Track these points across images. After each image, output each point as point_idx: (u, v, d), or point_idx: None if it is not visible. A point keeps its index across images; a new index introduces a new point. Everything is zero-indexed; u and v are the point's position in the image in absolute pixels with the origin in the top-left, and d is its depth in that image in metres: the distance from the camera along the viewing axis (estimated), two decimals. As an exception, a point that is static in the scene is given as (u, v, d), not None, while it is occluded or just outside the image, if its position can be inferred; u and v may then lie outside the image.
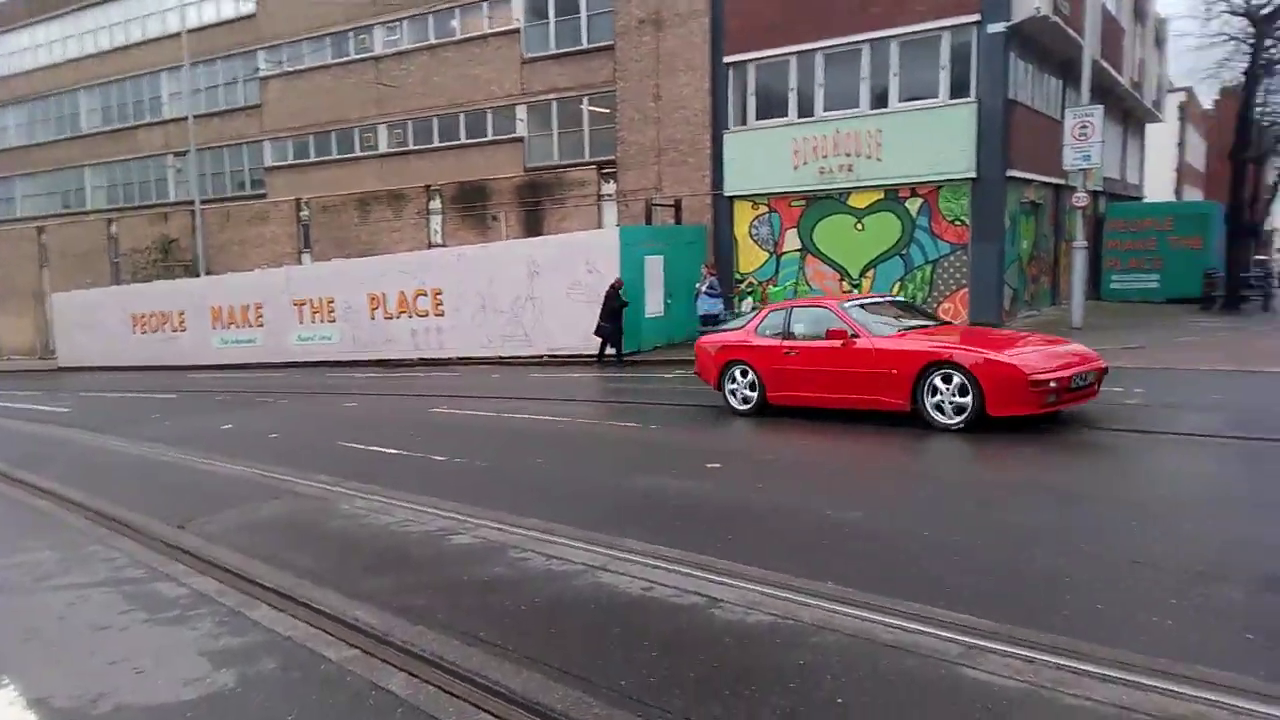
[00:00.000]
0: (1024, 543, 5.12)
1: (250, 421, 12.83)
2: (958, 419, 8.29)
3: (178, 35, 30.96)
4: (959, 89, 18.36)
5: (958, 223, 18.62)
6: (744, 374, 10.19)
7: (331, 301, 23.20)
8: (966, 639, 3.76)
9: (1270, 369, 11.71)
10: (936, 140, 18.39)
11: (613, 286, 17.78)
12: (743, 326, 10.65)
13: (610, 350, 17.84)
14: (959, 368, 8.29)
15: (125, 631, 4.55)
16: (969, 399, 8.21)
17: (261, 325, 24.88)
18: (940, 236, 18.82)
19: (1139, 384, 10.84)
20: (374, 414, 13.05)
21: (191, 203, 31.78)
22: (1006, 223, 18.45)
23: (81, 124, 38.63)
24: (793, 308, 10.22)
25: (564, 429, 10.36)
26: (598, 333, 17.69)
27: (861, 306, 9.83)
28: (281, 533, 6.40)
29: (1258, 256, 26.14)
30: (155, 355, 27.65)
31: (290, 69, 31.50)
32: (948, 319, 16.96)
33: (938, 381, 8.44)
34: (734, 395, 10.28)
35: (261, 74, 32.34)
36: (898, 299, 13.40)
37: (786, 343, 9.78)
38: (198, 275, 30.09)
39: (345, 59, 30.30)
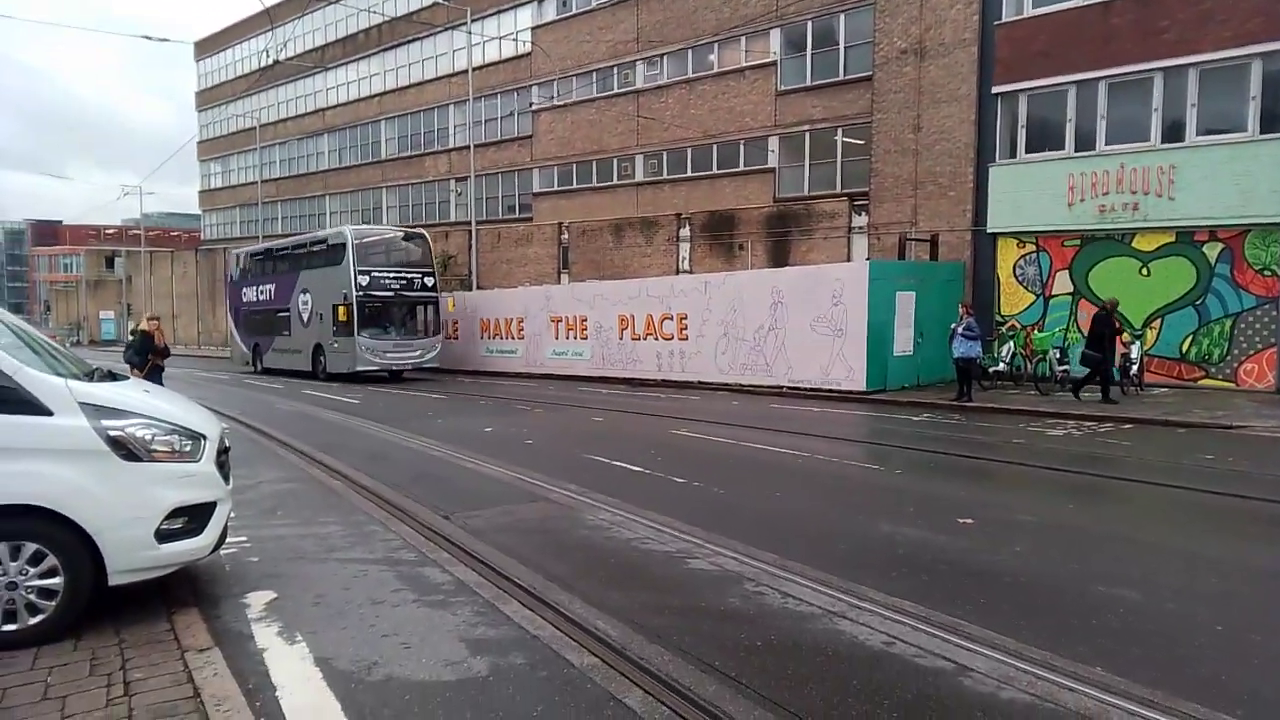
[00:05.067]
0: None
1: (509, 427, 13.81)
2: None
3: (464, 73, 34.25)
4: (1271, 122, 16.22)
5: (1267, 273, 16.36)
6: None
7: (585, 320, 24.52)
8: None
9: None
10: (1243, 178, 16.32)
11: (1104, 307, 15.77)
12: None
13: (1094, 382, 15.67)
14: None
15: (397, 609, 5.03)
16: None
17: (523, 338, 26.78)
18: (1245, 288, 16.61)
19: None
20: (619, 430, 13.58)
21: (469, 223, 34.93)
22: (1332, 275, 15.95)
23: (381, 151, 43.78)
24: None
25: (803, 464, 10.20)
26: (1084, 362, 15.82)
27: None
28: (534, 535, 6.81)
29: None
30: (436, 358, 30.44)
31: (559, 102, 33.82)
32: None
33: None
34: None
35: (534, 107, 34.99)
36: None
37: None
38: (471, 289, 32.89)
39: (608, 93, 32.09)
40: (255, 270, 30.29)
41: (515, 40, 35.32)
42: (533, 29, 34.88)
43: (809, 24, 25.97)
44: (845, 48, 25.17)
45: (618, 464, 9.97)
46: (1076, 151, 18.58)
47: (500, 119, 36.97)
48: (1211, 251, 16.99)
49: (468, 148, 33.91)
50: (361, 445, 11.93)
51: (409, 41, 41.23)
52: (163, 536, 4.68)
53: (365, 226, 28.18)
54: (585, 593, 5.26)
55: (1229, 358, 16.88)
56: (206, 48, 56.30)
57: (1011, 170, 19.66)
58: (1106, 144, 18.15)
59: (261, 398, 20.02)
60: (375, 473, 9.49)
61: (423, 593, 5.33)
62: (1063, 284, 19.06)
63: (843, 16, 25.13)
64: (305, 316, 26.14)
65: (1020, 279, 19.77)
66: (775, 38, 26.88)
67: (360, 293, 23.59)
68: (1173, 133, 17.39)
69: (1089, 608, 5.00)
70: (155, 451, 4.72)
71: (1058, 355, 17.39)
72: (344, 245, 23.96)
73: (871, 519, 7.29)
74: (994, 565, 5.88)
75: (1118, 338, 15.98)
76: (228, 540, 5.98)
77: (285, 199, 50.78)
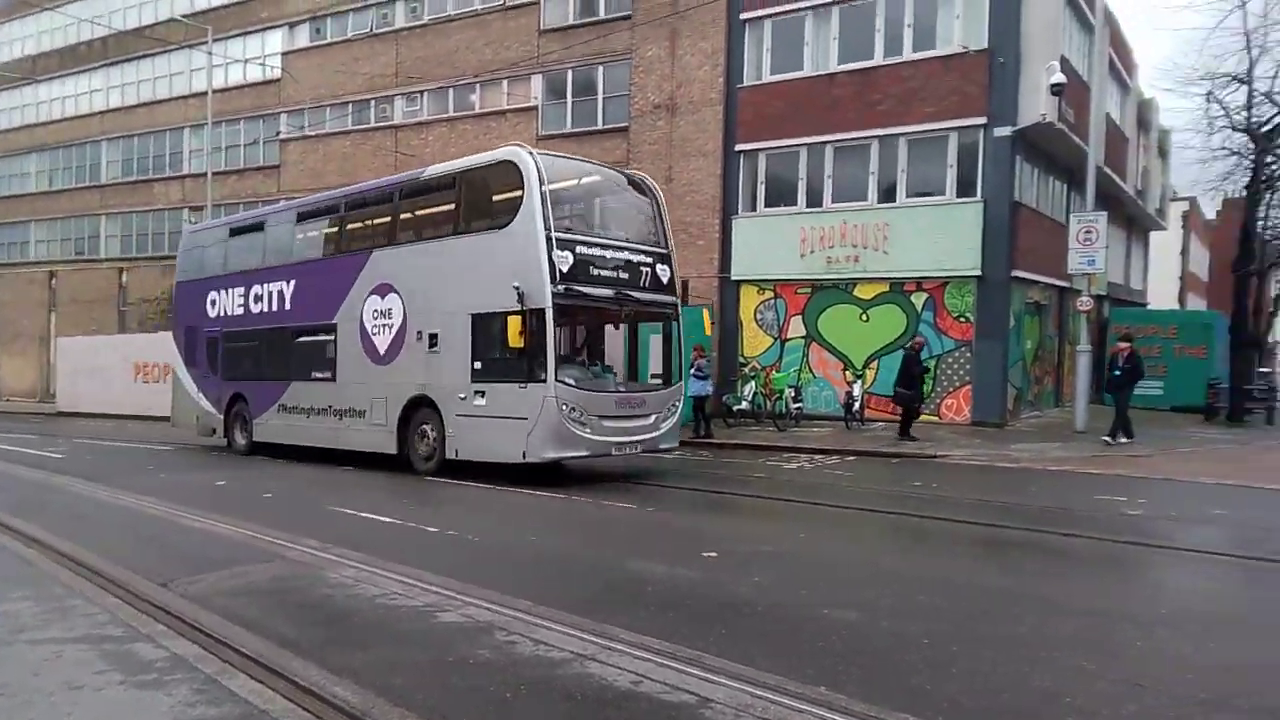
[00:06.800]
0: (1025, 656, 5.01)
1: (245, 479, 12.74)
2: None
3: (203, 94, 31.86)
4: (965, 188, 18.76)
5: (962, 319, 18.79)
6: None
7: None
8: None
9: (1274, 485, 11.63)
10: (943, 237, 18.69)
11: (912, 348, 16.54)
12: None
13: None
14: None
15: (100, 693, 4.42)
16: None
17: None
18: (945, 332, 18.97)
19: (1142, 494, 10.77)
20: (370, 480, 12.93)
21: (205, 256, 32.13)
22: (1011, 322, 18.64)
23: (102, 174, 39.46)
24: None
25: (559, 506, 10.25)
26: (898, 400, 16.30)
27: None
28: (266, 598, 6.28)
29: (1261, 369, 26.19)
30: (156, 405, 27.60)
31: (310, 132, 32.30)
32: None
33: None
34: None
35: (282, 136, 33.15)
36: None
37: None
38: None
39: (365, 126, 31.12)
40: (244, 256, 17.11)
41: (263, 64, 33.37)
42: (283, 54, 33.15)
43: (569, 73, 26.70)
44: (604, 98, 26.11)
45: (365, 515, 9.49)
46: (807, 207, 20.46)
47: (244, 146, 34.62)
48: (918, 300, 19.29)
49: (205, 175, 31.40)
50: (65, 506, 10.49)
51: (140, 57, 37.67)
52: None
53: (550, 154, 13.09)
54: (323, 657, 4.91)
55: (933, 394, 19.14)
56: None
57: (752, 222, 21.25)
58: (833, 202, 20.14)
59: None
60: (80, 537, 8.36)
61: (131, 673, 4.72)
62: (796, 328, 20.79)
63: (601, 68, 26.08)
64: (385, 341, 13.61)
65: (760, 323, 21.33)
66: (537, 83, 27.37)
67: (561, 288, 11.31)
68: (887, 194, 19.64)
69: (817, 631, 5.39)
70: None
71: (793, 394, 18.89)
72: (518, 186, 11.64)
73: (622, 557, 7.45)
74: (735, 596, 6.19)
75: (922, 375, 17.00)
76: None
77: (-21, 223, 44.21)
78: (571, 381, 11.49)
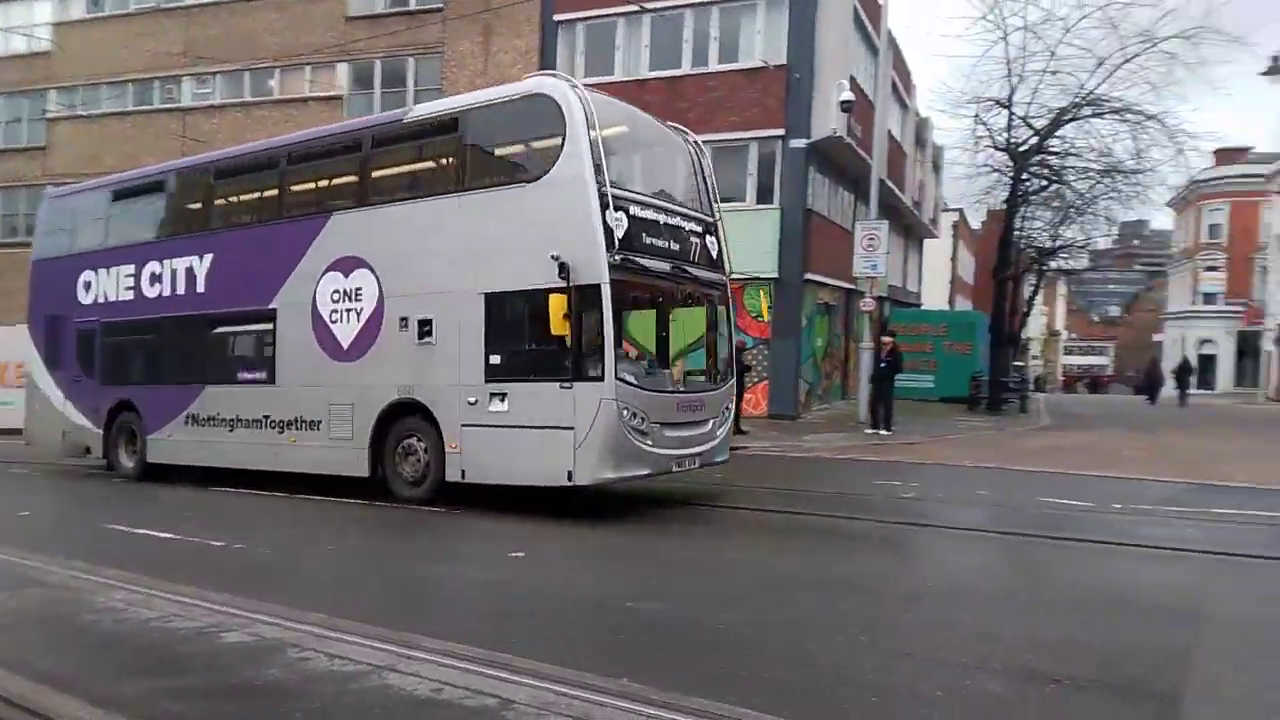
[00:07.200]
0: (811, 633, 5.36)
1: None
2: None
3: (-47, 64, 28.20)
4: (764, 195, 19.79)
5: (760, 319, 19.79)
6: None
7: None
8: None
9: (1026, 467, 13.10)
10: (744, 240, 19.45)
11: (739, 346, 16.65)
12: None
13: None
14: None
15: None
16: None
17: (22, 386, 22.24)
18: (744, 331, 19.88)
19: (915, 479, 11.79)
20: (149, 492, 11.90)
21: (-50, 246, 28.40)
22: (804, 321, 19.83)
23: None
24: None
25: (360, 512, 9.88)
26: None
27: None
28: (21, 629, 5.65)
29: (1016, 363, 29.44)
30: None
31: (84, 112, 29.32)
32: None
33: None
34: None
35: (50, 115, 29.88)
36: None
37: None
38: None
39: (148, 107, 28.67)
40: (134, 226, 13.61)
41: (29, 35, 29.92)
42: (54, 25, 29.88)
43: (377, 63, 25.75)
44: (415, 91, 25.35)
45: (142, 531, 8.74)
46: (618, 210, 20.81)
47: (4, 124, 31.01)
48: (722, 301, 20.11)
49: (-48, 155, 27.78)
50: None
51: None
52: None
53: (593, 93, 9.53)
54: (88, 689, 4.47)
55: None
56: None
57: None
58: (642, 205, 20.60)
59: None
60: None
61: None
62: (609, 328, 21.09)
63: (412, 60, 25.33)
64: (351, 331, 10.65)
65: (573, 323, 21.49)
66: (343, 72, 26.22)
67: (618, 258, 8.79)
68: (693, 199, 20.31)
69: (619, 624, 5.52)
70: None
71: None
72: (557, 128, 9.00)
73: (427, 562, 7.32)
74: (541, 594, 6.23)
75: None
76: None
77: None
78: (632, 380, 8.99)
